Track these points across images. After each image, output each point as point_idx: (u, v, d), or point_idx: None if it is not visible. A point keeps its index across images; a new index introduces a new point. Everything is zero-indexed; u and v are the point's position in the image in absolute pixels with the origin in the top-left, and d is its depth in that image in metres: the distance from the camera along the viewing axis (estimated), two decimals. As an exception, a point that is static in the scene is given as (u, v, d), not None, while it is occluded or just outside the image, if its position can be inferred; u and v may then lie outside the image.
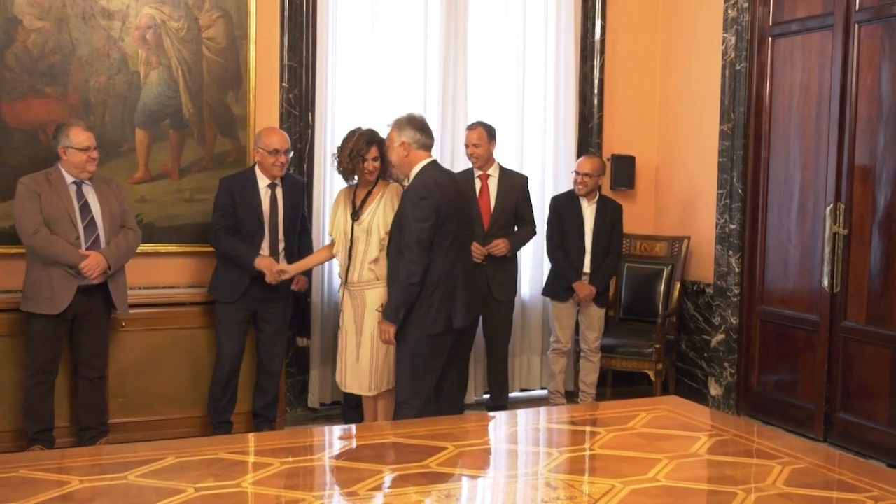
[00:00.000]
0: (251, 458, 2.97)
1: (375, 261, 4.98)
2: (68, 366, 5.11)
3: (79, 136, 4.89)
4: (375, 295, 4.98)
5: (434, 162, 4.61)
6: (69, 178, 4.91)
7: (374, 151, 5.01)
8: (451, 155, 6.27)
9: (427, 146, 4.58)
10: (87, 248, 4.87)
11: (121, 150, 5.55)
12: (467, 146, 5.78)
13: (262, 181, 5.28)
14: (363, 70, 6.10)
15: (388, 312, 4.54)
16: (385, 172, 5.10)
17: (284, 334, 5.53)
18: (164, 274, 5.69)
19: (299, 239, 5.50)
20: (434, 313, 4.48)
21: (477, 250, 5.68)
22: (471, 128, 5.80)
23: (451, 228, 4.52)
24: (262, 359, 5.45)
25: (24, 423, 4.96)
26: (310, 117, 5.91)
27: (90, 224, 4.91)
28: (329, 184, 5.96)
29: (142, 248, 5.36)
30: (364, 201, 5.07)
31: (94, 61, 5.45)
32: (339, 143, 5.20)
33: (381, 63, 6.14)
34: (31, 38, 5.31)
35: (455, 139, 6.27)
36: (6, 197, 5.13)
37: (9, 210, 5.02)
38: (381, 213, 4.99)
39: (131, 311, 5.17)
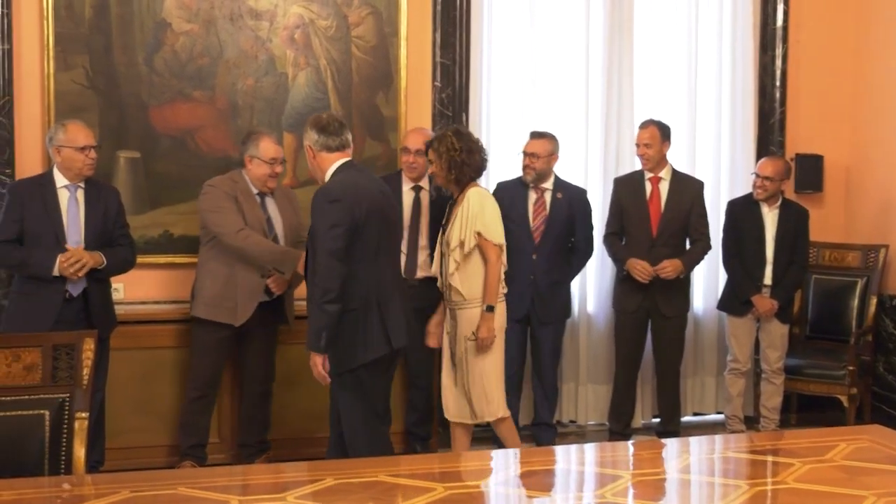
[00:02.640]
0: (412, 482, 3.00)
1: (452, 276, 4.80)
2: (227, 380, 5.26)
3: (267, 147, 5.01)
4: (465, 317, 4.80)
5: (349, 162, 4.35)
6: (254, 189, 5.05)
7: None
8: (616, 156, 6.23)
9: (330, 147, 4.29)
10: None
11: (268, 155, 5.73)
12: (638, 146, 5.72)
13: (406, 184, 5.38)
14: (521, 66, 6.12)
15: (310, 341, 4.18)
16: (452, 178, 4.82)
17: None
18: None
19: None
20: (374, 335, 4.21)
21: (644, 270, 5.57)
22: (643, 126, 5.72)
23: (373, 235, 4.24)
24: (410, 371, 5.50)
25: (180, 437, 5.12)
26: (464, 118, 5.96)
27: (274, 241, 5.05)
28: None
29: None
30: (451, 209, 4.90)
31: (241, 63, 5.66)
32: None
33: (539, 58, 6.15)
34: (180, 41, 5.56)
35: (620, 139, 6.22)
36: (156, 205, 5.36)
37: (158, 219, 5.21)
38: (458, 222, 4.78)
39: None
